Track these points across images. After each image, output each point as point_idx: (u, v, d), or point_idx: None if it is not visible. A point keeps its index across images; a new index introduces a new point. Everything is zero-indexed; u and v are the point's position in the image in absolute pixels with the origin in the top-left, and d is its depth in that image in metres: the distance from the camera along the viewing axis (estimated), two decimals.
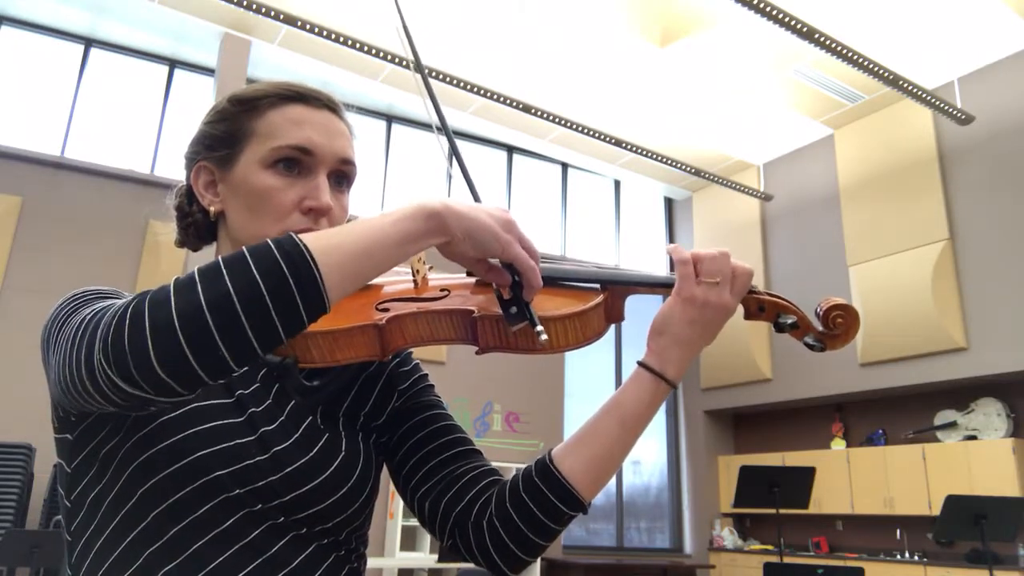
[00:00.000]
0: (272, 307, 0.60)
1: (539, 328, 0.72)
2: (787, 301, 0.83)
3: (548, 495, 0.82)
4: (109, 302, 0.70)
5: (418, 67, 0.91)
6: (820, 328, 0.82)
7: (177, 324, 0.59)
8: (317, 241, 0.64)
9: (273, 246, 0.63)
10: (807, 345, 0.82)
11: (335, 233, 0.67)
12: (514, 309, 0.73)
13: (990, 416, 7.33)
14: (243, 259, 0.62)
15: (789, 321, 0.82)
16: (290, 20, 6.29)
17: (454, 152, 0.90)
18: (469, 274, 0.81)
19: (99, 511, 0.76)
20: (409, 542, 7.45)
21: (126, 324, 0.60)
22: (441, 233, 0.70)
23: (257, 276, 0.61)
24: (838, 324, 0.81)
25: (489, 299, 0.77)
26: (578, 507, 0.82)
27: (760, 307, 0.83)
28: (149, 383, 0.60)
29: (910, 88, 6.84)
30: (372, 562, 6.67)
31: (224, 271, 0.61)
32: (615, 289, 0.82)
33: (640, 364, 0.83)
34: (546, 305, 0.77)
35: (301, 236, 0.64)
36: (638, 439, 0.83)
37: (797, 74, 7.48)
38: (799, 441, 8.93)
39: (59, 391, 0.68)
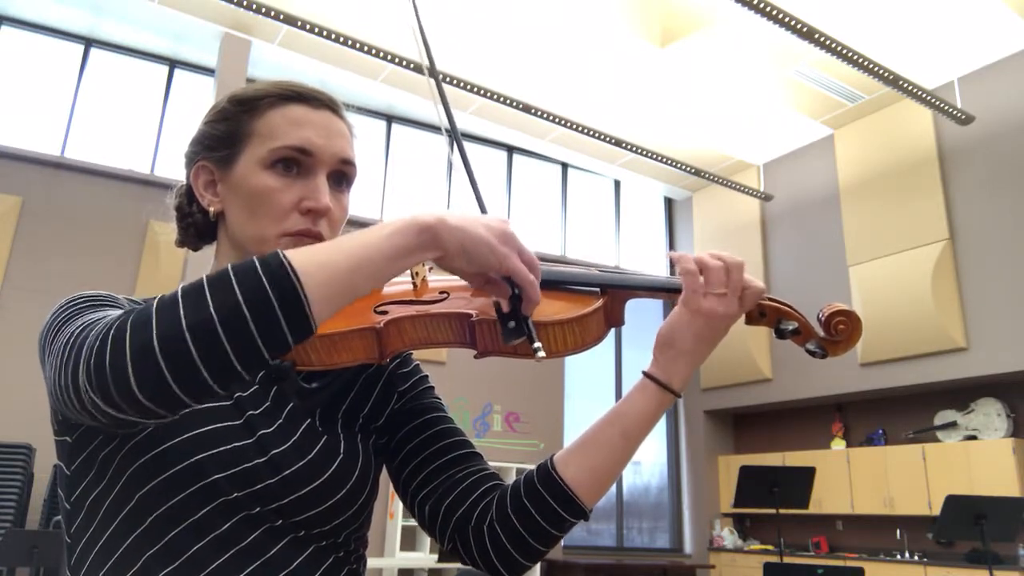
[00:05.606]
0: (256, 331, 0.59)
1: (536, 344, 0.70)
2: (789, 306, 0.82)
3: (550, 501, 0.82)
4: (101, 313, 0.69)
5: (432, 71, 0.91)
6: (822, 334, 0.81)
7: (157, 348, 0.58)
8: (305, 258, 0.62)
9: (258, 265, 0.61)
10: (809, 352, 0.81)
11: (324, 248, 0.65)
12: (512, 324, 0.72)
13: (990, 416, 7.33)
14: (227, 280, 0.60)
15: (791, 327, 0.80)
16: (290, 20, 6.29)
17: (463, 159, 0.90)
18: None
19: (99, 513, 0.76)
20: (409, 542, 7.45)
21: (108, 346, 0.59)
22: (435, 247, 0.68)
23: (240, 299, 0.59)
24: (840, 330, 0.80)
25: (489, 303, 0.77)
26: (580, 514, 0.82)
27: (761, 312, 0.82)
28: (130, 406, 0.59)
29: (910, 88, 6.84)
30: (372, 562, 6.67)
31: (207, 292, 0.59)
32: (615, 293, 0.81)
33: (646, 375, 0.83)
34: (545, 309, 0.76)
35: (289, 253, 0.62)
36: (639, 446, 0.83)
37: (797, 74, 7.48)
38: (799, 441, 8.92)
39: (53, 400, 0.68)
